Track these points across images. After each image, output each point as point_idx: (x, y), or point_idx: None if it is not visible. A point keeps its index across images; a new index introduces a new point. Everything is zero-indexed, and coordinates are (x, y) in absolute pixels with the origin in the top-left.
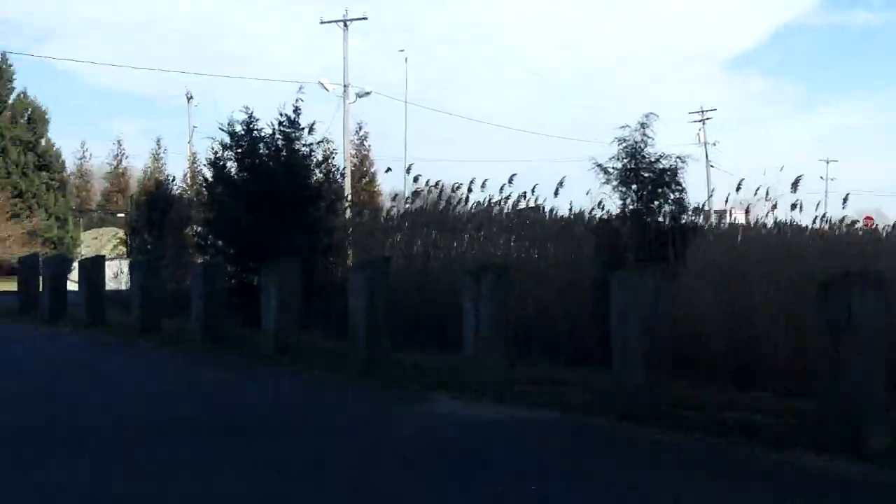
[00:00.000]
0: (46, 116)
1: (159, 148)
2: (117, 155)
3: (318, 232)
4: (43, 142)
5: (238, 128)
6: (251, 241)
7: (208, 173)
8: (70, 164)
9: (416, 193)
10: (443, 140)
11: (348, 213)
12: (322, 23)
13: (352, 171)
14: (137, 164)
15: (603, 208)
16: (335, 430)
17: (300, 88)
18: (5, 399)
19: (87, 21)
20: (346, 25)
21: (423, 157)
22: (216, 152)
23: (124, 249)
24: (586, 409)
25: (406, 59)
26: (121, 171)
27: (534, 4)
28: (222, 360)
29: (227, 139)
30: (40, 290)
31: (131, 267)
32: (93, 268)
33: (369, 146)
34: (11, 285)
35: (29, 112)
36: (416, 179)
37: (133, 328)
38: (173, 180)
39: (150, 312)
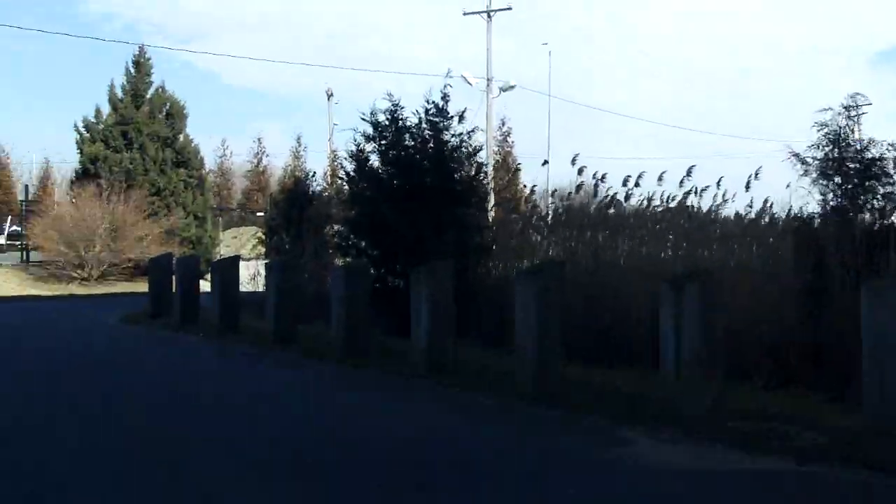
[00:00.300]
0: (185, 112)
1: (299, 146)
2: (258, 153)
3: (468, 230)
4: (181, 138)
5: (382, 117)
6: (395, 241)
7: (349, 167)
8: (211, 163)
9: (579, 187)
10: (584, 137)
11: (492, 213)
12: (465, 14)
13: (494, 168)
14: (277, 163)
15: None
16: (525, 481)
17: (448, 73)
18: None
19: (229, 22)
20: (489, 16)
21: (563, 154)
22: (358, 144)
23: (263, 249)
24: (824, 457)
25: (550, 53)
26: (261, 169)
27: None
28: (367, 377)
29: (370, 130)
30: (172, 292)
31: (268, 268)
32: (227, 269)
33: (512, 142)
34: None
35: (167, 107)
36: (580, 171)
37: (268, 336)
38: (313, 175)
39: (286, 319)
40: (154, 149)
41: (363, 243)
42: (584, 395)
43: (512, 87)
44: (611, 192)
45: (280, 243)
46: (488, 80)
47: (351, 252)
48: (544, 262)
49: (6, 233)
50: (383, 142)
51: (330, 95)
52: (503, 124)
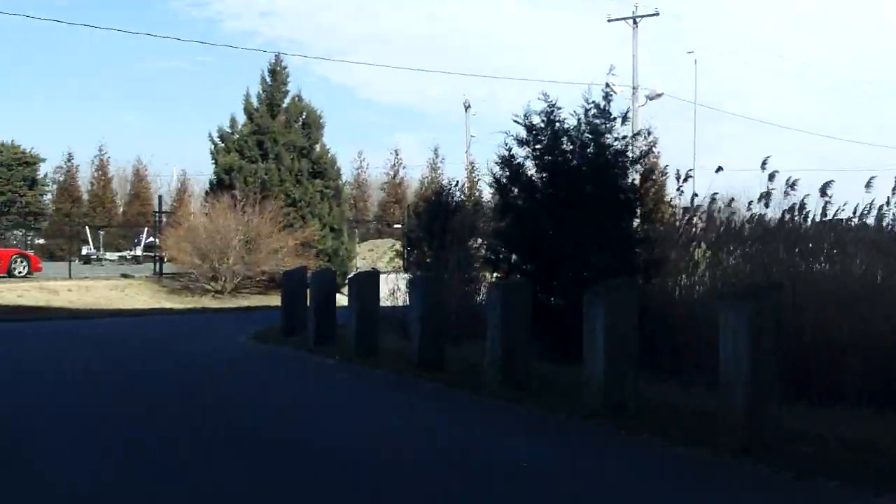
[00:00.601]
0: (321, 121)
1: (437, 157)
2: (394, 164)
3: (634, 244)
4: (317, 147)
5: (536, 119)
6: (552, 255)
7: (500, 173)
8: (347, 174)
9: (767, 195)
10: (730, 146)
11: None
12: (609, 21)
13: (641, 180)
14: (414, 175)
15: None
16: None
17: (610, 70)
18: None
19: (364, 39)
20: (635, 23)
21: (707, 165)
22: (509, 149)
23: (400, 262)
24: None
25: (696, 61)
26: (398, 181)
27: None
28: (532, 418)
29: (524, 133)
30: (307, 307)
31: (411, 285)
32: (366, 284)
33: (658, 153)
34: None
35: (303, 116)
36: (771, 177)
37: (411, 361)
38: (457, 185)
39: (431, 342)
40: (290, 159)
41: (514, 257)
42: (805, 449)
43: (659, 95)
44: (796, 201)
45: (421, 257)
46: (634, 88)
47: (501, 266)
48: (754, 284)
49: (143, 244)
50: (538, 146)
51: (468, 107)
52: (648, 133)
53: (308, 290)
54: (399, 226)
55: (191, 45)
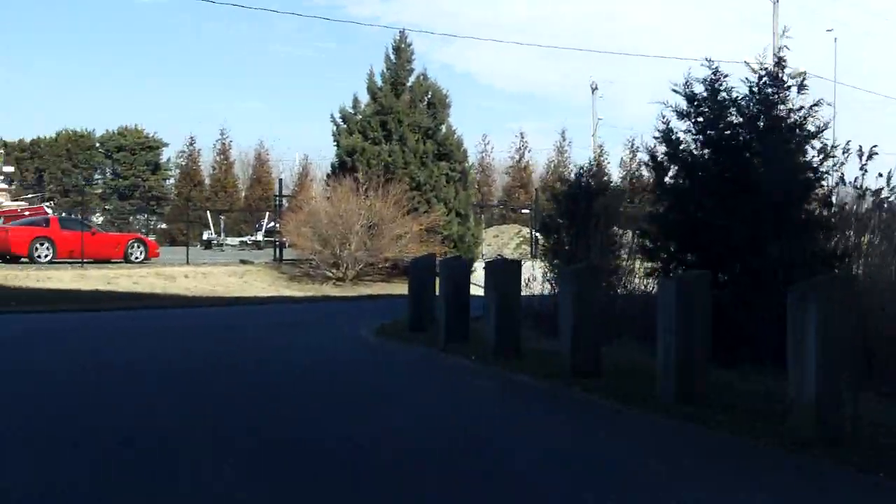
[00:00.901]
0: (447, 101)
1: (564, 140)
2: (519, 148)
3: (814, 232)
4: (443, 129)
5: (698, 88)
6: (719, 244)
7: (661, 149)
8: (471, 158)
9: None
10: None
11: None
12: None
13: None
14: (538, 159)
15: None
16: None
17: (784, 31)
18: None
19: (487, 25)
20: None
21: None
22: (667, 122)
23: (528, 249)
24: None
25: (835, 39)
26: (523, 165)
27: None
28: (729, 448)
29: (683, 104)
30: (436, 299)
31: (561, 278)
32: (507, 274)
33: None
34: (407, 287)
35: (429, 96)
36: None
37: (562, 365)
38: (597, 165)
39: (587, 345)
40: (414, 140)
41: (673, 246)
42: None
43: (802, 73)
44: None
45: (558, 244)
46: (776, 64)
47: (657, 256)
48: None
49: (264, 229)
50: (699, 119)
51: (595, 89)
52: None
53: (437, 281)
54: (527, 211)
55: (313, 32)
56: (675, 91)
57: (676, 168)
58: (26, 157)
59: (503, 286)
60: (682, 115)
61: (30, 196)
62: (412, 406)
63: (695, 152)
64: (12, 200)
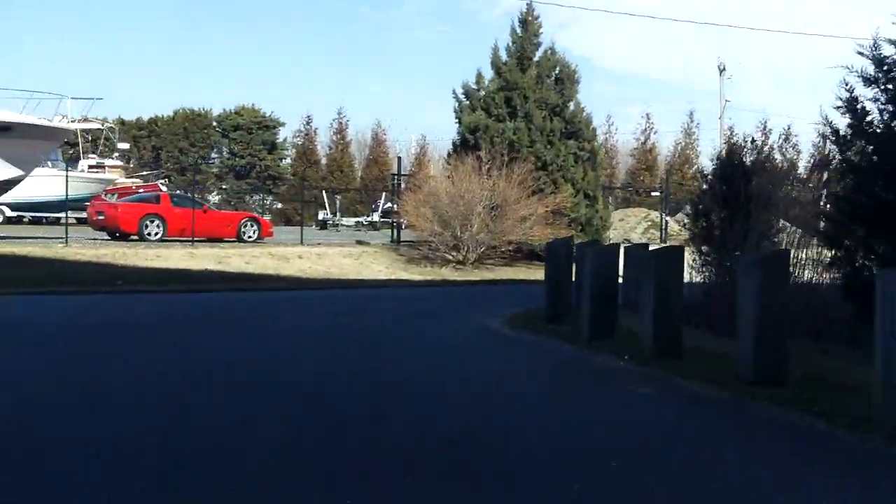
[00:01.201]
0: (576, 76)
1: (691, 122)
2: (645, 129)
3: None
4: (571, 106)
5: (888, 50)
6: None
7: (842, 122)
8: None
9: None
10: None
11: None
12: None
13: None
14: (662, 143)
15: None
16: None
17: None
18: None
19: (604, 7)
20: None
21: None
22: (850, 90)
23: (656, 234)
24: None
25: None
26: (648, 147)
27: None
28: None
29: (870, 69)
30: (571, 287)
31: (740, 268)
32: (667, 261)
33: None
34: (531, 272)
35: (556, 71)
36: None
37: (737, 370)
38: (753, 142)
39: (771, 349)
40: (541, 117)
41: (861, 231)
42: None
43: None
44: None
45: (707, 229)
46: None
47: (840, 243)
48: None
49: (380, 210)
50: (890, 85)
51: (722, 70)
52: None
53: (575, 267)
54: (657, 193)
55: (430, 16)
56: (860, 53)
57: (863, 142)
58: (144, 135)
59: (663, 276)
60: (868, 80)
61: (145, 173)
62: (573, 413)
63: (885, 124)
64: (127, 177)
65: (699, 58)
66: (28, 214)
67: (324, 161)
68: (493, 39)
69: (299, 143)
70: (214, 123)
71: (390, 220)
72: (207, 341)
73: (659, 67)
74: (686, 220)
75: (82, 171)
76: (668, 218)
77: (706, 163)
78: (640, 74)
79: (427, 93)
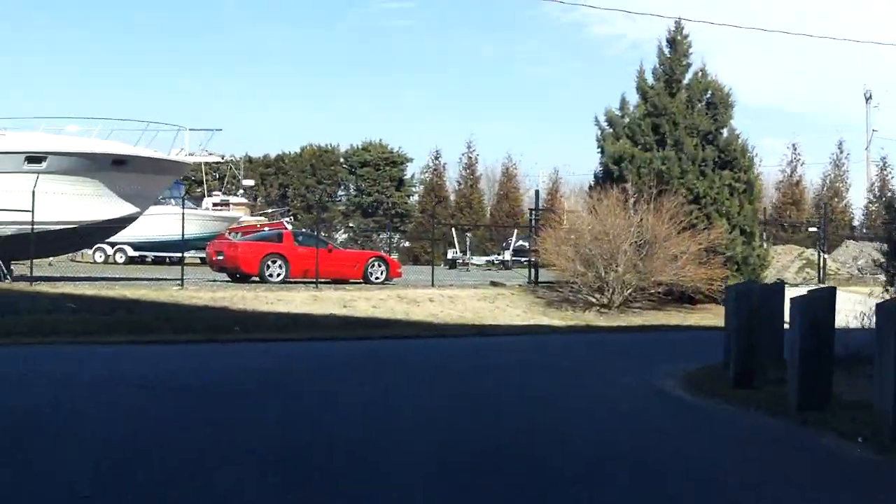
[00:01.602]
0: (731, 100)
1: (841, 152)
2: (791, 161)
3: None
4: (725, 132)
5: None
6: None
7: None
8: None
9: None
10: None
11: None
12: None
13: None
14: (809, 174)
15: None
16: None
17: None
18: None
19: (736, 38)
20: None
21: None
22: None
23: (812, 273)
24: None
25: None
26: (794, 179)
27: None
28: None
29: None
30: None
31: None
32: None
33: None
34: (685, 317)
35: (708, 95)
36: None
37: None
38: None
39: None
40: (692, 145)
41: None
42: None
43: None
44: None
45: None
46: None
47: None
48: None
49: (512, 247)
50: None
51: (868, 98)
52: None
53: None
54: (815, 229)
55: (559, 52)
56: None
57: None
58: (270, 172)
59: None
60: None
61: (270, 211)
62: None
63: None
64: (251, 215)
65: (840, 86)
66: (150, 254)
67: (453, 197)
68: (634, 65)
69: (427, 178)
70: (342, 160)
71: (522, 259)
72: (328, 414)
73: (797, 100)
74: (881, 258)
75: (206, 208)
76: (826, 256)
77: (856, 196)
78: (776, 107)
79: (552, 126)
